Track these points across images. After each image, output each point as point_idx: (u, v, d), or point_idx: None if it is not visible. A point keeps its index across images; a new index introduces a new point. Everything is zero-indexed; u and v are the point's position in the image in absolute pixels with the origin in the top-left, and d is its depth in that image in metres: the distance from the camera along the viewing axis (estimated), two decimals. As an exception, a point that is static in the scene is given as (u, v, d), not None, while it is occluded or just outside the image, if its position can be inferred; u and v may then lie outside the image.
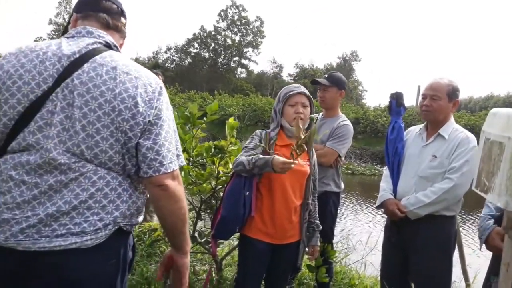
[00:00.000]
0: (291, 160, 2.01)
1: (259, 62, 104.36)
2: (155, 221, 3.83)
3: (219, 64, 52.29)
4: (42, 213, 1.27)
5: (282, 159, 2.06)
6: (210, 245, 3.12)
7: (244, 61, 53.76)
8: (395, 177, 2.71)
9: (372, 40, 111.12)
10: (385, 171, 2.86)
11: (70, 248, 1.28)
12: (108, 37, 1.46)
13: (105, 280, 1.37)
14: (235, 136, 2.73)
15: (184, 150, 2.76)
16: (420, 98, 2.77)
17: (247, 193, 2.21)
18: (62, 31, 1.61)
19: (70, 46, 1.36)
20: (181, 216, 1.41)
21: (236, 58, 53.15)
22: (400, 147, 2.71)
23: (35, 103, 1.28)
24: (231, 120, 2.70)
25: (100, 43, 1.41)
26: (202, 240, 3.04)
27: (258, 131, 2.41)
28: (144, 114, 1.34)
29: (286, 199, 2.25)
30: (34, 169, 1.28)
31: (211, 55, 52.34)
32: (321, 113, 3.39)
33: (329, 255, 2.98)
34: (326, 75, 3.34)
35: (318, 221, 2.51)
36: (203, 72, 50.37)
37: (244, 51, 53.01)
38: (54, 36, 46.40)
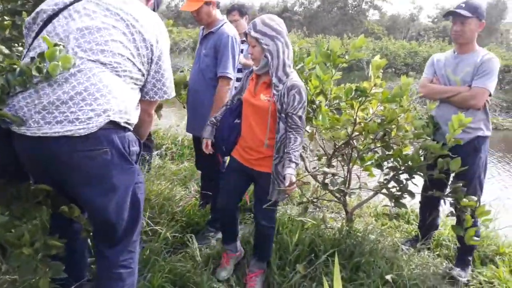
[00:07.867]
0: None
1: (394, 2, 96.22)
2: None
3: (350, 6, 49.33)
4: (45, 101, 1.43)
5: None
6: (341, 194, 3.00)
7: (377, 2, 49.77)
8: None
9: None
10: None
11: (66, 135, 1.43)
12: None
13: (101, 166, 1.52)
14: (380, 77, 2.42)
15: (321, 92, 2.57)
16: None
17: (237, 121, 2.42)
18: None
19: None
20: None
21: (368, -1, 49.47)
22: None
23: None
24: (377, 57, 2.38)
25: None
26: (334, 188, 2.89)
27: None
28: None
29: (251, 131, 2.33)
30: None
31: (342, -4, 49.54)
32: (451, 50, 2.92)
33: (478, 213, 2.50)
34: (463, 4, 2.72)
35: (296, 153, 2.16)
36: (332, 14, 48.20)
37: (378, -10, 48.98)
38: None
